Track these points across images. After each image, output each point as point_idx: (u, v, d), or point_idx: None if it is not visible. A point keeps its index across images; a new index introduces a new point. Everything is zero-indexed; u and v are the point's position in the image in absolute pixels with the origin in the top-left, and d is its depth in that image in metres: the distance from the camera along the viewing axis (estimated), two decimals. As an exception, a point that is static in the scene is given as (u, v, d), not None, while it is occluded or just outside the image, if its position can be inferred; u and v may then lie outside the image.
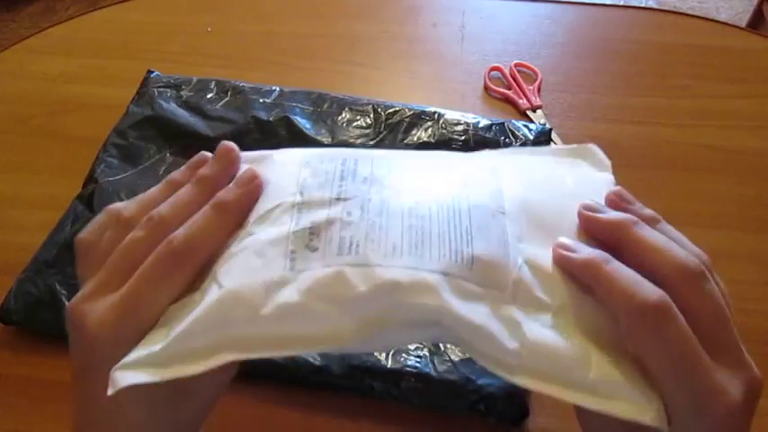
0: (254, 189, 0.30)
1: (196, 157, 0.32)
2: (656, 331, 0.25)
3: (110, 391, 0.25)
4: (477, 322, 0.26)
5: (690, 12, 0.93)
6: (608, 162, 0.35)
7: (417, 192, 0.30)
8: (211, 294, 0.27)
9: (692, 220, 0.56)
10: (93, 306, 0.28)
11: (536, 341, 0.26)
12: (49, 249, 0.51)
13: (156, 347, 0.26)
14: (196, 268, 0.29)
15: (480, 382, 0.43)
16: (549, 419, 0.44)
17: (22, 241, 0.52)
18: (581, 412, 0.32)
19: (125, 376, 0.26)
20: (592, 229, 0.29)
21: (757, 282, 0.53)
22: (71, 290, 0.48)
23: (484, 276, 0.27)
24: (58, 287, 0.48)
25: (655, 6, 1.96)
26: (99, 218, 0.31)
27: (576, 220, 0.30)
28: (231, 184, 0.31)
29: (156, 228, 0.29)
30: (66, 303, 0.30)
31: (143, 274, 0.28)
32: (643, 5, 1.94)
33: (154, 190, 0.32)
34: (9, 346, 0.48)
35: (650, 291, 0.25)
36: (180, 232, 0.28)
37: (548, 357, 0.26)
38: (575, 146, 0.35)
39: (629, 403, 0.25)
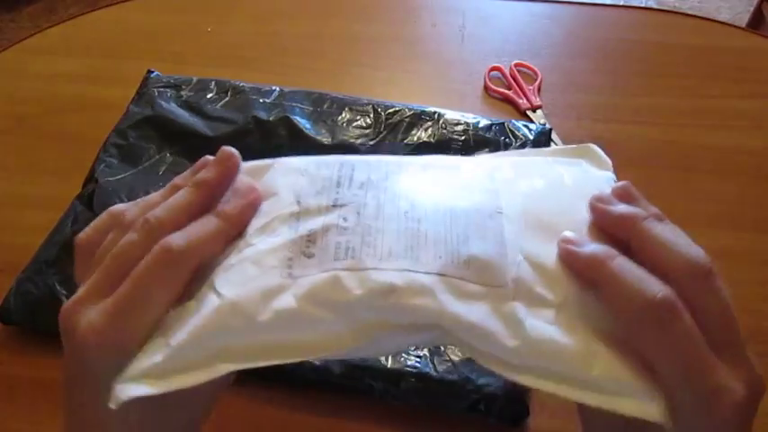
0: (253, 201, 0.30)
1: (199, 162, 0.32)
2: (661, 329, 0.25)
3: (112, 405, 0.25)
4: (475, 322, 0.26)
5: (690, 12, 0.93)
6: (608, 161, 0.34)
7: (414, 195, 0.30)
8: (209, 303, 0.27)
9: (691, 220, 0.56)
10: (84, 311, 0.27)
11: (538, 338, 0.26)
12: (49, 249, 0.51)
13: (158, 358, 0.26)
14: (191, 274, 0.28)
15: (480, 382, 0.43)
16: (549, 419, 0.44)
17: (22, 241, 0.52)
18: (582, 410, 0.32)
19: (127, 389, 0.25)
20: (603, 221, 0.29)
21: (757, 282, 0.53)
22: (71, 290, 0.48)
23: (482, 275, 0.27)
24: (58, 287, 0.48)
25: (655, 6, 1.96)
26: (100, 218, 0.31)
27: (576, 217, 0.30)
28: (230, 195, 0.30)
29: (150, 231, 0.29)
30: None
31: (136, 277, 0.27)
32: (643, 5, 1.94)
33: (156, 194, 0.31)
34: (9, 346, 0.48)
35: (656, 287, 0.25)
36: (177, 236, 0.28)
37: (550, 355, 0.26)
38: (574, 146, 0.35)
39: (634, 400, 0.25)
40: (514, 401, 0.43)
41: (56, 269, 0.50)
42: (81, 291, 0.28)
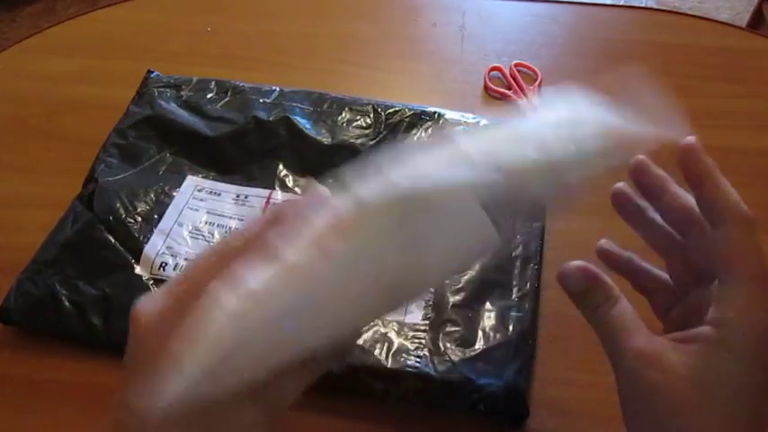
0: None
1: None
2: (750, 234, 0.31)
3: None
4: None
5: (690, 12, 0.93)
6: None
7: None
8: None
9: (692, 220, 0.56)
10: (146, 300, 0.29)
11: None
12: (49, 249, 0.51)
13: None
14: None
15: (480, 382, 0.43)
16: (549, 419, 0.44)
17: (22, 241, 0.52)
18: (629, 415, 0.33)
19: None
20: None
21: (757, 282, 0.52)
22: (71, 290, 0.48)
23: None
24: (58, 287, 0.48)
25: (655, 6, 1.95)
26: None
27: None
28: None
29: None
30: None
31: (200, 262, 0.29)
32: (643, 5, 1.94)
33: None
34: (9, 346, 0.48)
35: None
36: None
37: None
38: None
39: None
40: (514, 401, 0.43)
41: (56, 269, 0.50)
42: None
